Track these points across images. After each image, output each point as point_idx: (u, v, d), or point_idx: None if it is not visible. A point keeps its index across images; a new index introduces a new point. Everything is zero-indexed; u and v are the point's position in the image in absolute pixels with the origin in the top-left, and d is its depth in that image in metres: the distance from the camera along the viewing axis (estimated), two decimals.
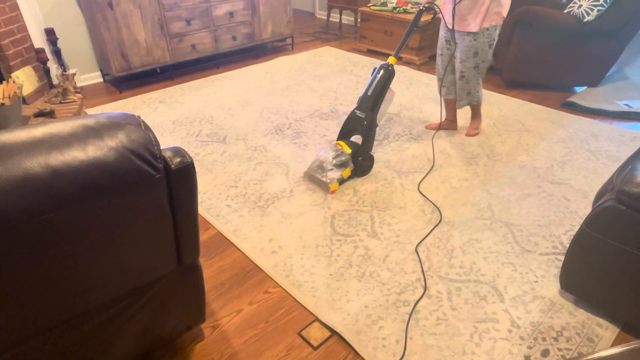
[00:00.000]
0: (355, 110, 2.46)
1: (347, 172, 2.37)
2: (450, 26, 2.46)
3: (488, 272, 1.81)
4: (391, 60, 2.45)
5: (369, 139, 2.44)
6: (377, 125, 2.48)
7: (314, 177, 2.39)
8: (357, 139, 2.53)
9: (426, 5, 2.53)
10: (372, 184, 2.40)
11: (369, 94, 2.42)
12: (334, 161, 2.35)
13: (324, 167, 2.35)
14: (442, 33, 2.59)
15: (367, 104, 2.42)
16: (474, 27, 2.40)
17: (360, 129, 2.44)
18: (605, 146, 2.75)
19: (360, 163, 2.41)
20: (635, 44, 4.55)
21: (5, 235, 0.84)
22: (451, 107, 2.86)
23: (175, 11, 3.67)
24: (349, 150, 2.37)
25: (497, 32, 2.43)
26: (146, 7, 3.49)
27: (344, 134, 2.54)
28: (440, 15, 2.53)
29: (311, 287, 1.75)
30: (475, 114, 2.84)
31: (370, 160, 2.48)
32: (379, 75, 2.42)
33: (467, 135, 2.87)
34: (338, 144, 2.42)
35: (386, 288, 1.74)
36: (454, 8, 2.41)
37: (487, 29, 2.40)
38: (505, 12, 2.38)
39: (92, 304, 1.09)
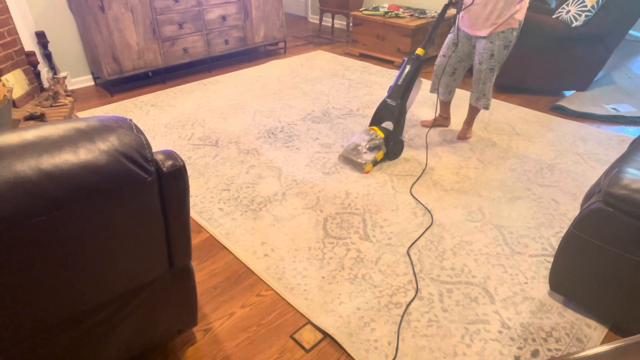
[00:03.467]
0: (387, 99, 2.60)
1: (380, 154, 2.54)
2: (467, 30, 2.49)
3: (479, 273, 1.83)
4: (419, 51, 2.57)
5: (399, 124, 2.59)
6: (406, 112, 2.60)
7: (349, 159, 2.56)
8: (387, 125, 2.66)
9: (453, 0, 2.56)
10: (364, 187, 2.41)
11: (399, 83, 2.55)
12: (368, 145, 2.52)
13: (359, 150, 2.53)
14: (452, 35, 2.61)
15: (397, 93, 2.55)
16: (483, 32, 2.42)
17: (391, 116, 2.58)
18: (594, 149, 2.79)
19: (392, 147, 2.57)
20: (621, 49, 4.63)
21: None
22: (445, 106, 2.92)
23: (168, 15, 3.67)
24: (382, 135, 2.54)
25: (515, 34, 2.40)
26: (138, 11, 3.48)
27: (376, 121, 2.67)
28: (459, 20, 2.56)
29: (303, 289, 1.76)
30: (471, 120, 2.86)
31: (401, 144, 2.65)
32: (408, 66, 2.54)
33: (459, 138, 2.90)
34: (372, 129, 2.58)
35: (378, 290, 1.75)
36: (457, 12, 2.48)
37: (503, 32, 2.38)
38: (520, 16, 2.35)
39: (83, 307, 1.08)
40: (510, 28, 2.37)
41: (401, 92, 2.55)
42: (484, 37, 2.44)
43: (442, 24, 4.24)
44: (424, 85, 3.71)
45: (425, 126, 3.02)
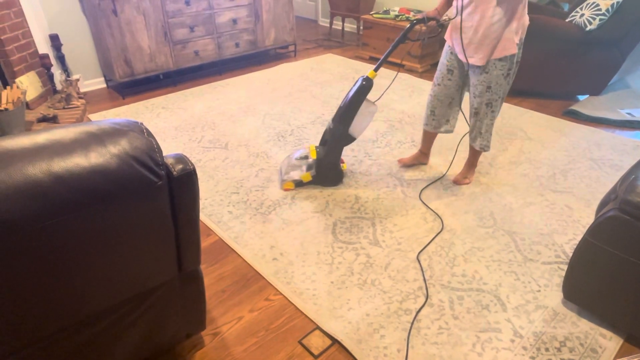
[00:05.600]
0: (331, 121, 2.36)
1: (306, 176, 2.39)
2: (460, 56, 2.13)
3: (490, 280, 1.80)
4: (370, 74, 2.25)
5: (333, 150, 2.35)
6: (352, 138, 2.33)
7: (279, 171, 2.46)
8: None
9: (419, 17, 2.22)
10: (374, 191, 2.39)
11: (341, 106, 2.30)
12: (296, 162, 2.39)
13: (287, 164, 2.41)
14: (444, 60, 2.24)
15: (337, 116, 2.30)
16: (477, 60, 2.04)
17: (328, 139, 2.35)
18: (608, 155, 2.74)
19: (325, 173, 2.40)
20: (636, 53, 4.55)
21: (7, 241, 0.84)
22: (429, 140, 2.53)
23: (179, 18, 3.70)
24: (314, 156, 2.38)
25: (515, 59, 2.03)
26: (150, 14, 3.51)
27: (322, 143, 2.44)
28: (448, 41, 2.22)
29: (312, 294, 1.74)
30: (472, 162, 2.44)
31: (336, 173, 2.42)
32: (354, 88, 2.26)
33: (455, 182, 2.46)
34: (310, 147, 2.44)
35: (388, 296, 1.73)
36: (431, 35, 2.12)
37: (500, 60, 2.00)
38: (518, 38, 1.99)
39: (92, 310, 1.08)
40: (510, 54, 1.99)
41: (338, 116, 2.28)
42: (479, 66, 2.07)
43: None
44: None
45: (403, 165, 2.63)
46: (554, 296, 1.73)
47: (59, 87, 3.49)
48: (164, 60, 3.75)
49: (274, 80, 4.05)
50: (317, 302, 1.71)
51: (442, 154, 2.77)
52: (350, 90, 2.29)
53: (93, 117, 3.36)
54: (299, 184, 2.41)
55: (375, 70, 2.25)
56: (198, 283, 1.34)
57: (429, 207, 2.25)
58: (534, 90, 3.62)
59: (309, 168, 2.39)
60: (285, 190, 2.39)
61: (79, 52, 3.71)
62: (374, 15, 4.44)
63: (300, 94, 3.72)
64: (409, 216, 2.19)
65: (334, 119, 2.32)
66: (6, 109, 2.51)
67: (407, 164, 2.63)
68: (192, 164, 1.10)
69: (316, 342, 1.56)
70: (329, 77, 4.10)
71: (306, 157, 2.39)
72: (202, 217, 2.21)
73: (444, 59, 2.25)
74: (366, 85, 2.23)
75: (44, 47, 3.36)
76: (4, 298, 0.90)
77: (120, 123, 1.02)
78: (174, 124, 3.20)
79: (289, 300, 1.73)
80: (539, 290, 1.76)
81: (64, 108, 3.12)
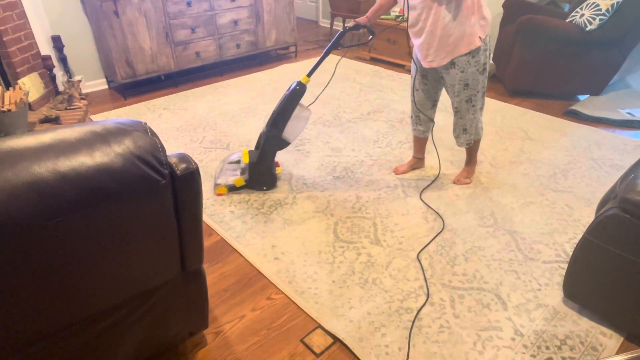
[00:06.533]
0: (264, 125, 2.37)
1: (239, 180, 2.37)
2: (422, 63, 2.14)
3: (491, 279, 1.81)
4: (303, 79, 2.26)
5: (266, 154, 2.35)
6: (287, 143, 2.33)
7: (215, 175, 2.46)
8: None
9: (351, 25, 2.26)
10: (375, 191, 2.40)
11: (275, 110, 2.29)
12: (229, 166, 2.41)
13: (221, 169, 2.43)
14: (414, 66, 2.24)
15: (269, 120, 2.30)
16: (439, 61, 2.05)
17: (262, 144, 2.35)
18: (608, 154, 2.75)
19: (258, 177, 2.39)
20: (637, 53, 4.56)
21: (12, 239, 0.85)
22: (421, 145, 2.53)
23: (180, 19, 3.71)
24: (246, 161, 2.37)
25: (487, 53, 2.03)
26: (152, 15, 3.53)
27: (257, 147, 2.43)
28: (411, 46, 2.23)
29: (314, 293, 1.75)
30: (470, 160, 2.44)
31: (270, 176, 2.40)
32: (287, 93, 2.26)
33: (455, 182, 2.45)
34: (243, 151, 2.44)
35: (389, 295, 1.74)
36: (371, 38, 2.23)
37: (472, 56, 2.00)
38: (483, 32, 1.97)
39: (96, 308, 1.09)
40: (476, 48, 1.98)
41: (271, 120, 2.27)
42: (455, 65, 2.04)
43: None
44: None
45: (399, 173, 2.56)
46: (555, 295, 1.74)
47: (61, 88, 3.50)
48: (165, 61, 3.77)
49: (275, 81, 4.06)
50: (318, 301, 1.72)
51: (441, 153, 2.78)
52: (283, 95, 2.29)
53: (95, 118, 3.38)
54: (232, 188, 2.39)
55: (309, 75, 2.26)
56: (201, 282, 1.36)
57: (430, 207, 2.26)
58: (534, 90, 3.63)
59: (242, 172, 2.39)
60: (218, 195, 2.37)
61: (81, 53, 3.73)
62: None
63: None
64: (409, 216, 2.20)
65: (267, 123, 2.31)
66: (9, 110, 2.52)
67: (403, 172, 2.57)
68: (195, 163, 1.11)
69: (318, 341, 1.57)
70: (329, 77, 4.11)
71: (238, 162, 2.41)
72: (204, 216, 2.22)
73: (414, 65, 2.25)
74: (299, 90, 2.24)
75: (46, 48, 3.37)
76: (7, 296, 0.91)
77: (125, 123, 1.03)
78: (176, 124, 3.22)
79: (290, 299, 1.74)
80: (539, 289, 1.76)
81: (66, 109, 3.13)
